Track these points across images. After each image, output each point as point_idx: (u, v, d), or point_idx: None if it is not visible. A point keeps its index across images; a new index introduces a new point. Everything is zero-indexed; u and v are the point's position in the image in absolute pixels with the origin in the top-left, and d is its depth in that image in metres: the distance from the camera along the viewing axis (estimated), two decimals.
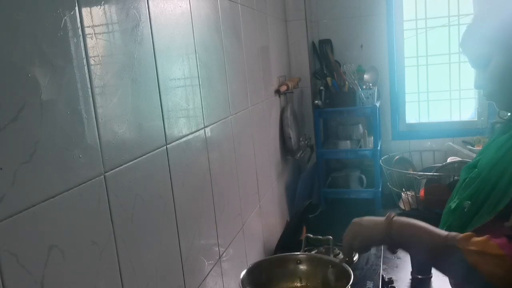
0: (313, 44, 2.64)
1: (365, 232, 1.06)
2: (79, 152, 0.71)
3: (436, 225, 1.16)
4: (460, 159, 2.44)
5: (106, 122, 0.78)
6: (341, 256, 1.64)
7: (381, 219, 1.04)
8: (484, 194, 0.98)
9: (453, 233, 0.94)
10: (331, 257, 1.42)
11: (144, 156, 0.91)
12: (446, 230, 1.07)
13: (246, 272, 1.25)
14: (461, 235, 0.92)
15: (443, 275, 1.02)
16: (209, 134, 1.26)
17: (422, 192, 2.29)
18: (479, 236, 0.91)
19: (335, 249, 1.63)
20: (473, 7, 2.63)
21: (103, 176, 0.77)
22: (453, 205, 1.08)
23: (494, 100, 1.06)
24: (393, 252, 1.05)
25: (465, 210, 1.02)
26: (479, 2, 2.58)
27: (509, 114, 1.09)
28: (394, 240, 1.00)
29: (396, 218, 1.02)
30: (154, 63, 0.97)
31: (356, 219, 1.10)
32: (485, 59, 1.01)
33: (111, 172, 0.79)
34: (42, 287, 0.61)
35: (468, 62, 1.09)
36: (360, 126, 2.67)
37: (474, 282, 0.89)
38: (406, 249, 1.05)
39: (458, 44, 1.09)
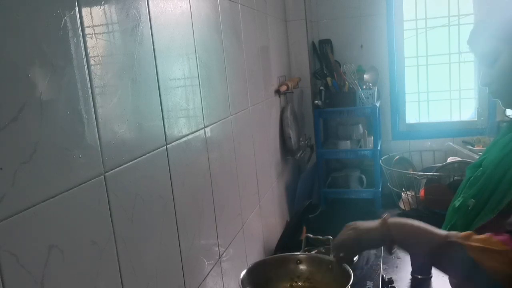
0: (313, 44, 2.64)
1: (361, 233, 1.06)
2: (79, 152, 0.71)
3: (437, 225, 1.16)
4: (460, 159, 2.44)
5: (106, 122, 0.78)
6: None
7: (375, 221, 1.04)
8: (488, 192, 0.98)
9: (454, 232, 0.94)
10: (331, 257, 1.41)
11: (144, 156, 0.91)
12: (450, 228, 1.08)
13: (246, 272, 1.25)
14: (462, 233, 0.92)
15: (443, 273, 1.02)
16: (209, 134, 1.26)
17: (422, 192, 2.30)
18: (480, 234, 0.91)
19: None
20: (473, 7, 2.63)
21: (103, 176, 0.77)
22: (457, 203, 1.08)
23: (500, 98, 1.06)
24: (390, 252, 1.05)
25: (469, 208, 1.02)
26: (479, 2, 2.58)
27: None
28: (394, 240, 1.00)
29: (392, 218, 1.02)
30: (154, 63, 0.97)
31: (349, 223, 1.10)
32: (492, 56, 1.02)
33: (111, 172, 0.79)
34: (42, 287, 0.61)
35: (475, 59, 1.09)
36: (360, 126, 2.67)
37: (477, 278, 0.89)
38: (406, 248, 1.05)
39: (466, 41, 1.09)
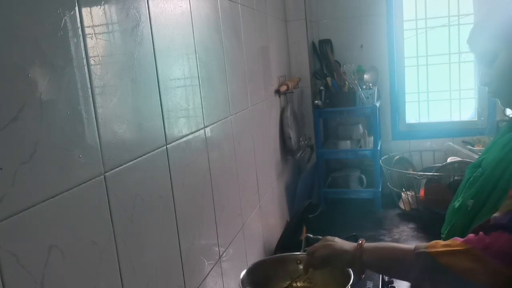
0: (313, 44, 2.64)
1: (334, 251, 1.08)
2: (79, 152, 0.71)
3: (437, 225, 1.16)
4: (460, 159, 2.44)
5: (106, 122, 0.78)
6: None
7: (351, 244, 1.07)
8: (487, 192, 0.98)
9: (420, 244, 0.96)
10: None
11: (144, 156, 0.91)
12: (450, 229, 1.08)
13: (246, 272, 1.25)
14: (429, 243, 0.94)
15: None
16: (209, 134, 1.26)
17: (422, 192, 2.30)
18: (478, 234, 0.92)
19: None
20: (473, 7, 2.63)
21: (103, 176, 0.77)
22: (456, 204, 1.08)
23: (499, 97, 1.07)
24: (360, 276, 1.07)
25: (469, 208, 1.02)
26: (479, 2, 2.58)
27: None
28: (364, 265, 1.03)
29: (367, 244, 1.05)
30: (154, 63, 0.97)
31: (328, 237, 1.13)
32: (491, 56, 1.02)
33: (111, 172, 0.79)
34: (42, 287, 0.61)
35: (475, 59, 1.09)
36: (360, 126, 2.67)
37: (450, 283, 0.90)
38: (377, 271, 1.07)
39: (466, 41, 1.10)
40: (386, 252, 1.02)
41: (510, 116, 1.11)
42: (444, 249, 0.90)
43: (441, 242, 0.93)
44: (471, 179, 1.07)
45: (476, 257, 0.86)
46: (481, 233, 0.89)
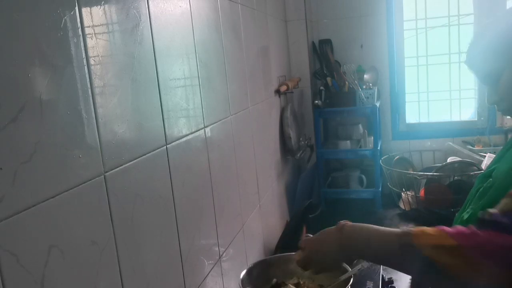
0: (313, 44, 2.64)
1: (319, 249, 1.04)
2: (79, 152, 0.71)
3: (436, 225, 1.14)
4: (460, 159, 2.44)
5: (106, 122, 0.78)
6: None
7: (332, 228, 1.03)
8: (496, 203, 0.93)
9: (406, 229, 0.92)
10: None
11: (144, 156, 0.91)
12: None
13: (246, 272, 1.25)
14: (414, 229, 0.90)
15: (406, 274, 1.00)
16: (209, 134, 1.26)
17: (422, 192, 2.30)
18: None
19: None
20: (473, 7, 2.63)
21: (103, 176, 0.77)
22: (465, 215, 1.04)
23: (511, 114, 1.04)
24: (350, 262, 1.02)
25: None
26: (479, 2, 2.58)
27: None
28: (346, 247, 0.99)
29: (347, 224, 1.00)
30: (154, 63, 0.97)
31: (307, 238, 1.08)
32: (496, 74, 0.98)
33: (111, 172, 0.79)
34: (42, 287, 0.61)
35: (477, 78, 1.05)
36: (360, 126, 2.67)
37: (434, 276, 0.87)
38: (360, 254, 1.02)
39: (464, 62, 1.05)
40: (369, 235, 0.96)
41: None
42: (431, 242, 0.86)
43: (427, 230, 0.88)
44: (481, 189, 1.03)
45: (462, 255, 0.82)
46: (472, 227, 0.86)
